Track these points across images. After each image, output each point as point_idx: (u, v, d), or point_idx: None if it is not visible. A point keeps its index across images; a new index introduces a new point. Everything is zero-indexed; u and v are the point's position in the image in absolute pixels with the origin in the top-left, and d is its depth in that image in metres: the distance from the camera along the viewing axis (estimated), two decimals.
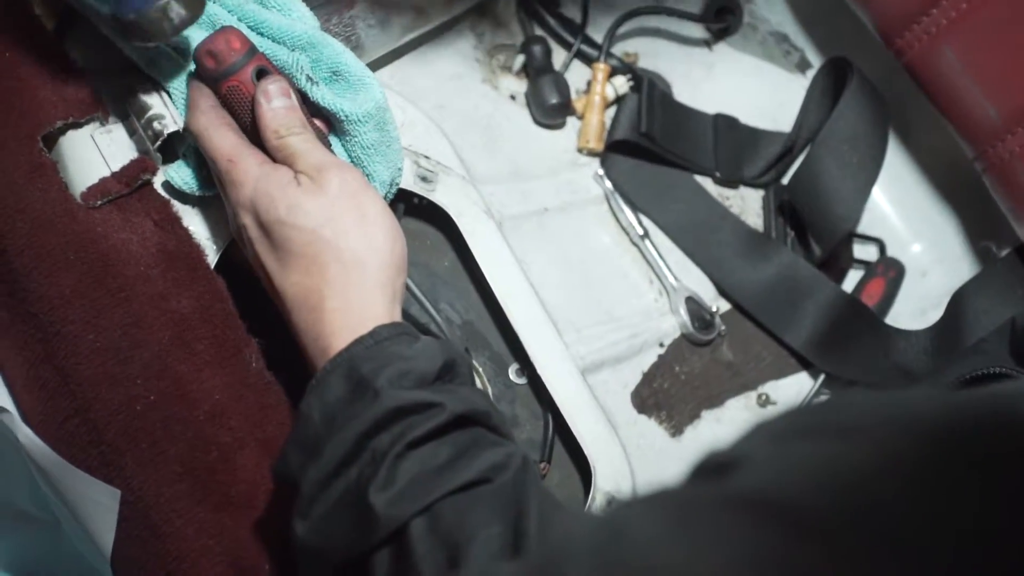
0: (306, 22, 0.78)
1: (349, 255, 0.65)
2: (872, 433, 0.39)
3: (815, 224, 0.99)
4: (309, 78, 0.75)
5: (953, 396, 0.41)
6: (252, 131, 0.71)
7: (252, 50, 0.71)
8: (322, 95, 0.75)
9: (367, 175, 0.78)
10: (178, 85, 0.75)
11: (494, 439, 0.60)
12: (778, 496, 0.36)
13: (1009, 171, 0.88)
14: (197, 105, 0.71)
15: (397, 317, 0.66)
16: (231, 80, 0.70)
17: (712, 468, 0.42)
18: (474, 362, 0.87)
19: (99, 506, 0.69)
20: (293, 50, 0.75)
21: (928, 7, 0.90)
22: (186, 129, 0.73)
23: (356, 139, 0.76)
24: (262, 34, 0.76)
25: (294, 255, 0.66)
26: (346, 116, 0.75)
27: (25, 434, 0.71)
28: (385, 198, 0.81)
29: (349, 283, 0.65)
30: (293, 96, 0.70)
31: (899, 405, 0.42)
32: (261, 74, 0.70)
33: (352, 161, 0.77)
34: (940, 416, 0.39)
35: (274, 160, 0.69)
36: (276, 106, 0.69)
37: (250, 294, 0.83)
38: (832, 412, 0.44)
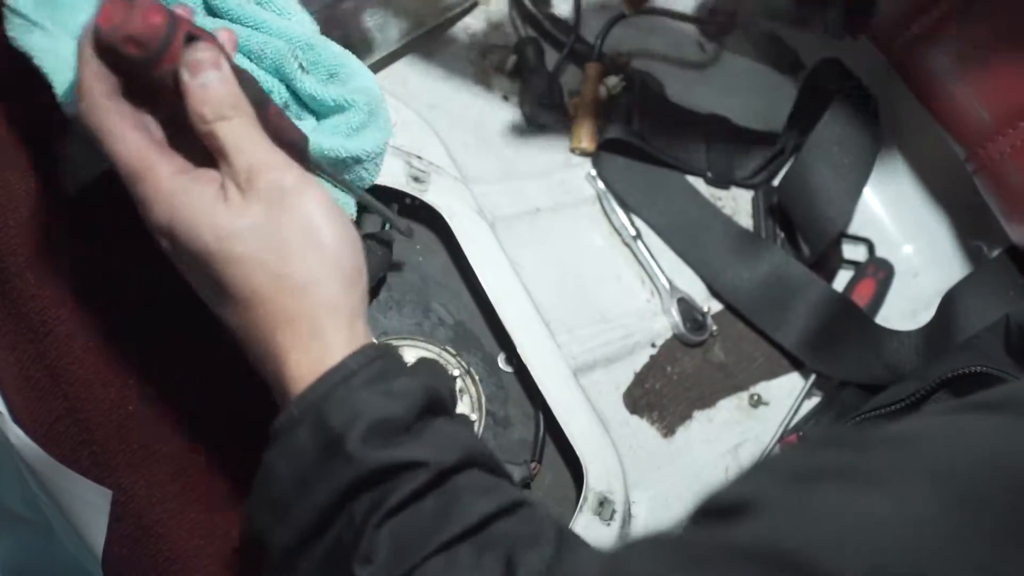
0: (305, 25, 0.78)
1: (293, 280, 0.56)
2: (895, 485, 0.36)
3: (805, 225, 0.99)
4: (301, 66, 0.74)
5: (981, 442, 0.38)
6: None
7: (173, 19, 0.57)
8: (308, 84, 0.74)
9: (354, 157, 0.75)
10: (56, 66, 0.63)
11: (483, 484, 0.55)
12: (794, 549, 0.34)
13: (999, 171, 0.89)
14: (89, 93, 0.56)
15: (360, 335, 0.58)
16: (164, 62, 0.56)
17: (716, 511, 0.39)
18: (471, 370, 0.87)
19: (90, 506, 0.69)
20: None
21: (920, 10, 0.90)
22: (77, 124, 0.58)
23: (344, 117, 0.74)
24: (261, 31, 0.76)
25: (230, 288, 0.56)
26: (334, 100, 0.73)
27: (16, 435, 0.70)
28: (372, 167, 0.78)
29: (298, 313, 0.56)
30: (226, 67, 0.57)
31: (921, 445, 0.38)
32: (191, 41, 0.57)
33: (337, 148, 0.75)
34: (970, 473, 0.36)
35: (205, 156, 0.58)
36: (204, 82, 0.56)
37: None
38: (846, 451, 0.41)
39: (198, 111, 0.56)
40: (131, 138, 0.56)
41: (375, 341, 0.58)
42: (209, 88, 0.56)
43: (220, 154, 0.57)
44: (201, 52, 0.57)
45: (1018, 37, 0.86)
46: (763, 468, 0.41)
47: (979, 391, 0.72)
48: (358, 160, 0.77)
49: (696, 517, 0.41)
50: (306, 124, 0.76)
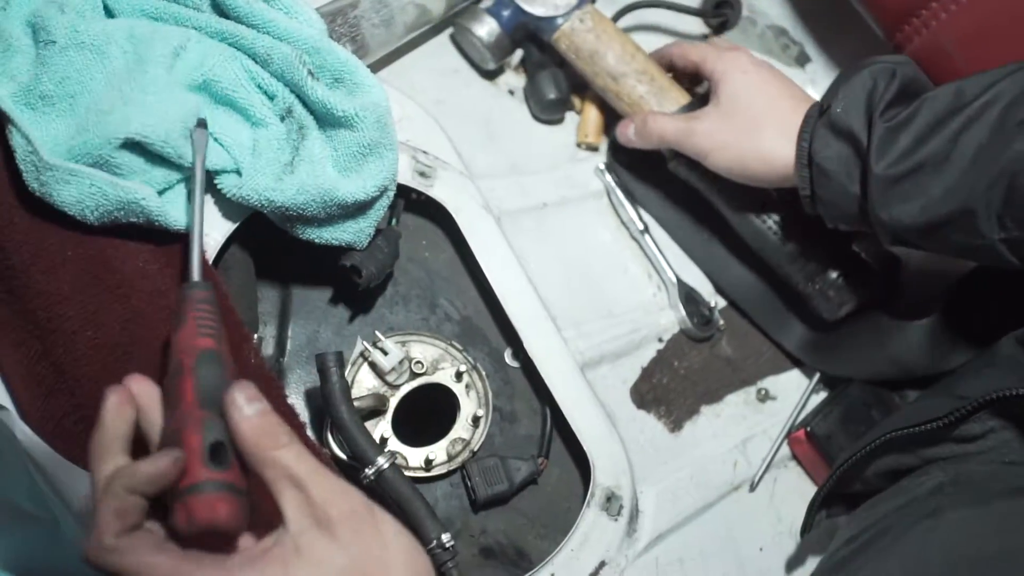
0: (313, 25, 0.78)
1: None
2: None
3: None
4: (310, 72, 0.75)
5: None
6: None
7: (235, 491, 0.56)
8: (320, 92, 0.74)
9: (359, 176, 0.77)
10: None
11: None
12: None
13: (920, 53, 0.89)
14: (105, 532, 0.53)
15: None
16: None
17: None
18: (478, 365, 0.86)
19: None
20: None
21: (928, 0, 0.89)
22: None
23: (354, 136, 0.76)
24: (268, 33, 0.76)
25: None
26: (343, 112, 0.75)
27: (23, 431, 0.70)
28: (378, 205, 0.80)
29: None
30: (263, 401, 0.57)
31: None
32: (217, 450, 0.56)
33: (344, 164, 0.77)
34: None
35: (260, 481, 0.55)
36: (250, 414, 0.55)
37: (247, 290, 0.83)
38: None
39: (253, 442, 0.55)
40: (162, 565, 0.52)
41: None
42: (256, 419, 0.55)
43: (294, 484, 0.54)
44: (238, 391, 0.56)
45: None
46: None
47: (1022, 414, 0.72)
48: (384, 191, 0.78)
49: None
50: (313, 144, 0.77)
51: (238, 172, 0.76)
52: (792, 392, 0.98)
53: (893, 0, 0.93)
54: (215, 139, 0.75)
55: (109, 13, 0.77)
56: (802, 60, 1.10)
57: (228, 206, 0.78)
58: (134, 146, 0.71)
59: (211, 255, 0.76)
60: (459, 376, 0.85)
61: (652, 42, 1.05)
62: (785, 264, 0.93)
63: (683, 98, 0.93)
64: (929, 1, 0.89)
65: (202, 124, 0.74)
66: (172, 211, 0.73)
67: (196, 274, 0.67)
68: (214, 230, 0.77)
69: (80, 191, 0.70)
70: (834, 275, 0.91)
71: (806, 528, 0.86)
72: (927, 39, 0.90)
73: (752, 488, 0.93)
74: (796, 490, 0.95)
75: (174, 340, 0.62)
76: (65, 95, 0.71)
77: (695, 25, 1.08)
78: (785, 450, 0.96)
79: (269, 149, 0.76)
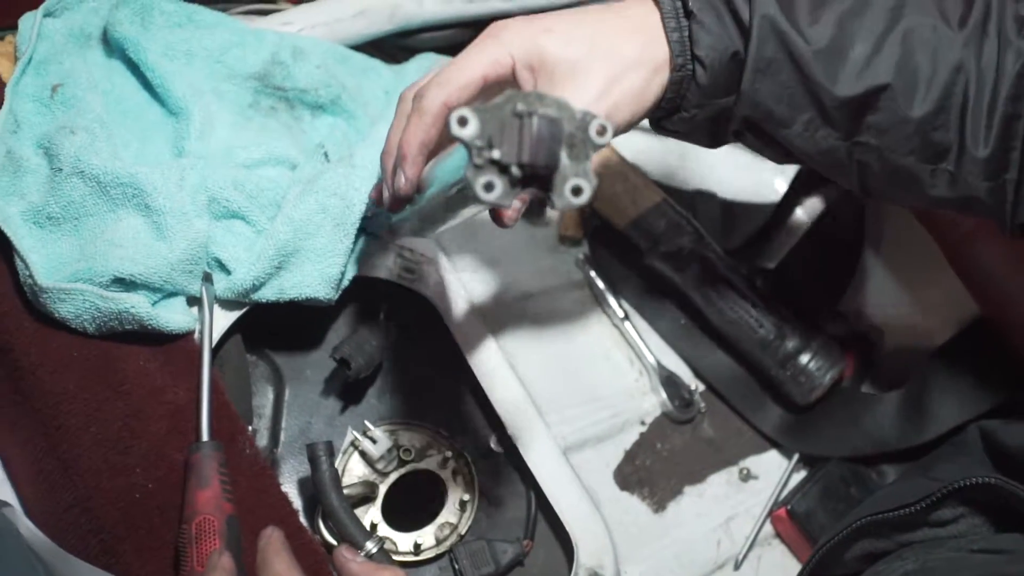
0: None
1: None
2: None
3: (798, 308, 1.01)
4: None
5: None
6: None
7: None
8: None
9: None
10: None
11: None
12: None
13: (963, 251, 0.92)
14: None
15: None
16: None
17: None
18: (464, 452, 0.90)
19: None
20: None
21: None
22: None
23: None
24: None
25: None
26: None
27: (27, 526, 0.73)
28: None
29: None
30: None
31: None
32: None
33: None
34: None
35: None
36: (361, 559, 0.73)
37: (241, 384, 0.87)
38: None
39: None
40: None
41: None
42: (368, 563, 0.73)
43: None
44: (345, 548, 0.74)
45: None
46: None
47: (988, 500, 0.74)
48: None
49: None
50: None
51: (226, 271, 0.81)
52: (774, 471, 1.00)
53: None
54: (214, 257, 0.81)
55: (138, 75, 0.86)
56: None
57: (223, 302, 0.83)
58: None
59: (207, 352, 0.80)
60: (446, 462, 0.88)
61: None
62: (757, 351, 0.97)
63: (656, 196, 0.98)
64: None
65: (208, 279, 0.80)
66: (164, 314, 0.78)
67: (206, 433, 0.75)
68: (212, 329, 0.81)
69: (76, 307, 0.75)
70: (805, 360, 0.95)
71: None
72: None
73: (736, 567, 0.95)
74: (780, 567, 0.97)
75: (195, 497, 0.71)
76: (70, 217, 0.77)
77: None
78: (769, 528, 0.98)
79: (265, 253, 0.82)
